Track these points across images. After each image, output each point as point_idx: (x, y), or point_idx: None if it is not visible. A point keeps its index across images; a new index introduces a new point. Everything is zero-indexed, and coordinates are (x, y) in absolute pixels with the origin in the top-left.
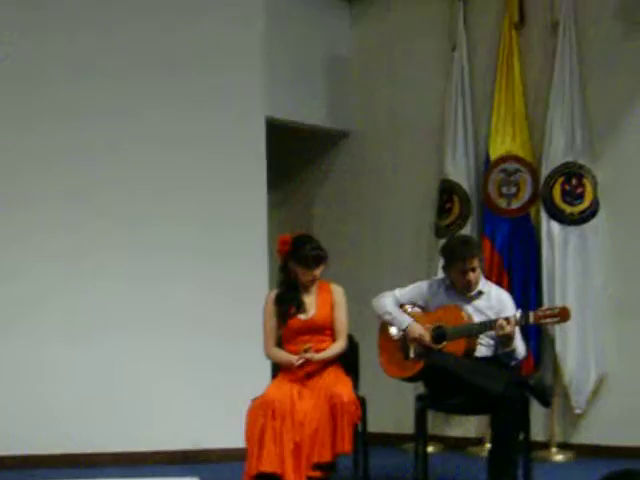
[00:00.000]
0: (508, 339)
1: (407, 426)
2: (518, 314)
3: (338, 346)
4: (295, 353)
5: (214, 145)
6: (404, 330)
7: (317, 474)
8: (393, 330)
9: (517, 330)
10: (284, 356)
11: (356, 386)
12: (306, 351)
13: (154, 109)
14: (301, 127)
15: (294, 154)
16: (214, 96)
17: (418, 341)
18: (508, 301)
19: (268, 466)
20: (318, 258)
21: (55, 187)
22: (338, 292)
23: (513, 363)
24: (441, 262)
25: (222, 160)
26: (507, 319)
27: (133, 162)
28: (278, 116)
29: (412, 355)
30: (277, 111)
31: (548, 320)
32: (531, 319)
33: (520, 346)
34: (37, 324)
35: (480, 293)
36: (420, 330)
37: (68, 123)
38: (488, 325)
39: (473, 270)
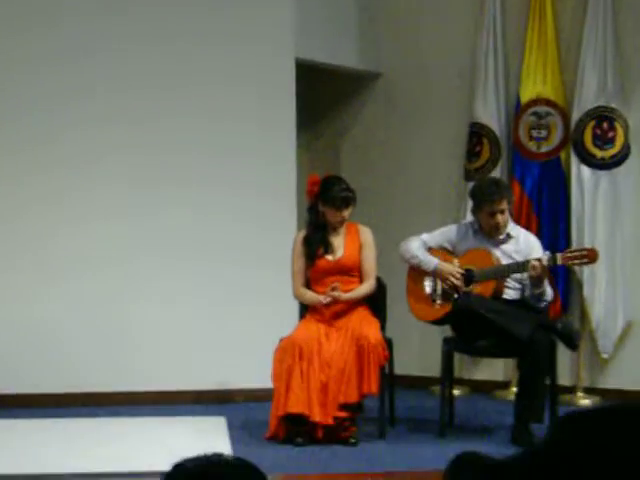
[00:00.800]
0: (539, 280)
1: (434, 368)
2: (546, 256)
3: (366, 286)
4: (323, 294)
5: (244, 85)
6: (433, 271)
7: (344, 414)
8: (426, 283)
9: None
10: (312, 296)
11: (383, 328)
12: (333, 289)
13: (183, 48)
14: (331, 68)
15: (324, 95)
16: (244, 36)
17: (449, 279)
18: (536, 245)
19: (295, 407)
20: (346, 199)
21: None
22: (366, 233)
23: (542, 305)
24: (470, 205)
25: (252, 100)
26: (539, 259)
27: (161, 99)
28: (308, 57)
29: (439, 301)
30: (307, 52)
31: (576, 261)
32: (559, 260)
33: (548, 289)
34: (49, 258)
35: (509, 237)
36: (450, 268)
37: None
38: (516, 267)
39: (502, 212)
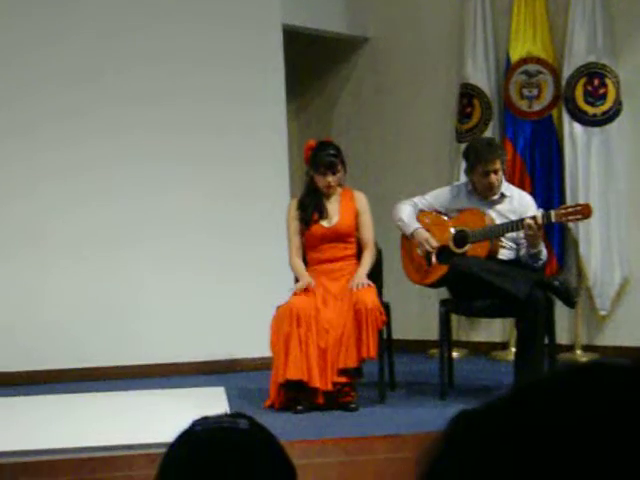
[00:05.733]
0: (535, 239)
1: (431, 331)
2: (539, 213)
3: (369, 256)
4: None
5: (231, 56)
6: (409, 235)
7: (343, 379)
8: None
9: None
10: (302, 273)
11: (380, 292)
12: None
13: (166, 22)
14: (319, 34)
15: (312, 62)
16: (229, 6)
17: (423, 246)
18: (531, 204)
19: (294, 373)
20: (331, 164)
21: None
22: (361, 199)
23: (539, 264)
24: (463, 166)
25: (240, 70)
26: (534, 218)
27: (147, 78)
28: (295, 23)
29: (433, 260)
30: (293, 18)
31: (570, 217)
32: (553, 217)
33: (543, 248)
34: (46, 241)
35: (503, 196)
36: (426, 235)
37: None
38: (511, 226)
39: (495, 172)
